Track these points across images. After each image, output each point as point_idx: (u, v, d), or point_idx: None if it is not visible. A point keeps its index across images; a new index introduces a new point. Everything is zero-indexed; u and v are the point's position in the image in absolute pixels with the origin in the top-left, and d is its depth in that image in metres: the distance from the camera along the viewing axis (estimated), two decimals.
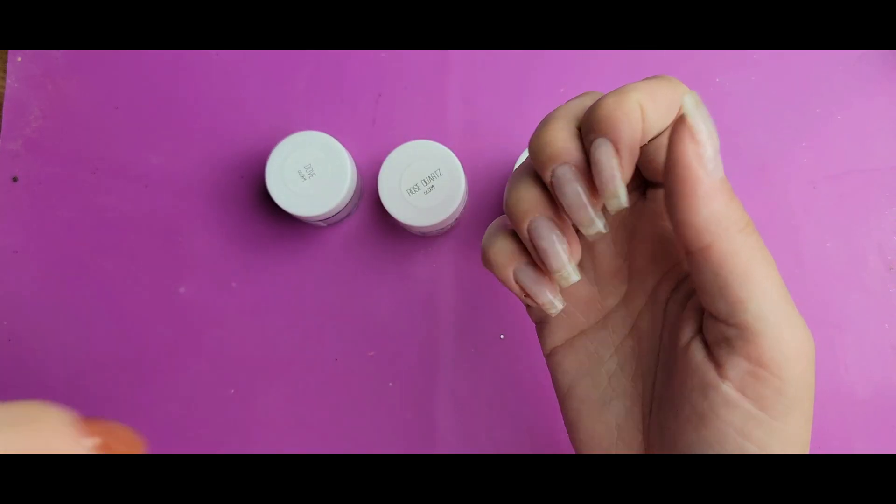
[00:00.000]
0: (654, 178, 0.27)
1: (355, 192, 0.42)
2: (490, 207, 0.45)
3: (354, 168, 0.42)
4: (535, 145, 0.25)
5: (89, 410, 0.44)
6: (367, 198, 0.45)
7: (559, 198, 0.25)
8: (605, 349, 0.30)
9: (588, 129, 0.24)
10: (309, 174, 0.41)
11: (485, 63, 0.46)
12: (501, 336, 0.44)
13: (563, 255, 0.26)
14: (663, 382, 0.27)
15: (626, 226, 0.29)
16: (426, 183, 0.41)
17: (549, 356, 0.31)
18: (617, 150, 0.23)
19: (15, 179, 0.46)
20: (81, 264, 0.45)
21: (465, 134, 0.45)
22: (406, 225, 0.41)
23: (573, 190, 0.25)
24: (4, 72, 0.47)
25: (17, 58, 0.47)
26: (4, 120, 0.46)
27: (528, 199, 0.26)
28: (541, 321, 0.31)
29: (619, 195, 0.24)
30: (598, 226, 0.25)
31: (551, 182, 0.25)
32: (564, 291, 0.29)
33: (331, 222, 0.44)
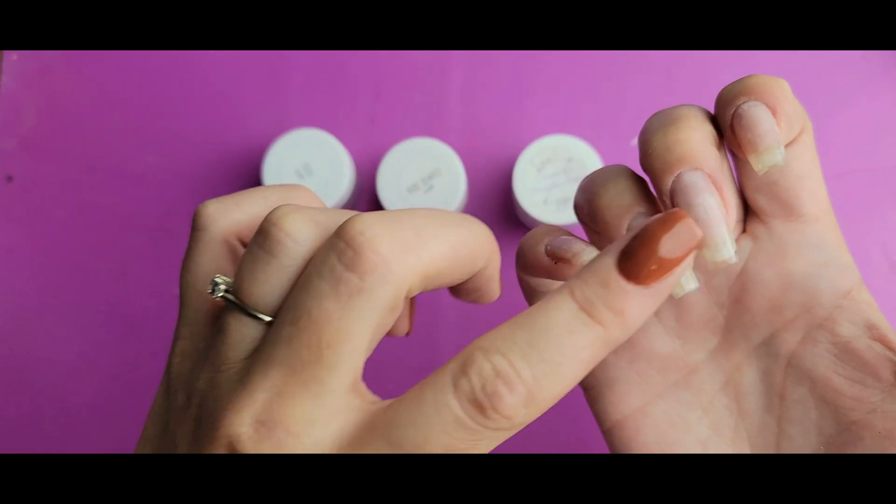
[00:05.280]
0: (771, 205, 0.23)
1: (354, 190, 0.42)
2: (490, 207, 0.45)
3: (353, 166, 0.42)
4: (659, 143, 0.22)
5: (85, 411, 0.44)
6: (366, 196, 0.45)
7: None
8: (690, 412, 0.25)
9: (732, 96, 0.22)
10: (307, 172, 0.40)
11: (485, 63, 0.45)
12: None
13: None
14: (811, 436, 0.24)
15: (727, 269, 0.24)
16: (425, 182, 0.40)
17: (615, 429, 0.25)
18: (774, 115, 0.21)
19: (10, 179, 0.46)
20: (77, 264, 0.45)
21: (465, 132, 0.45)
22: None
23: (705, 202, 0.21)
24: (0, 70, 0.46)
25: (12, 56, 0.46)
26: (0, 119, 0.46)
27: (627, 198, 0.22)
28: (599, 384, 0.25)
29: (778, 150, 0.21)
30: (727, 251, 0.21)
31: (672, 190, 0.21)
32: (635, 350, 0.25)
33: None
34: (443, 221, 0.19)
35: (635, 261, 0.18)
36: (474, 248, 0.20)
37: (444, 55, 0.45)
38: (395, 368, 0.44)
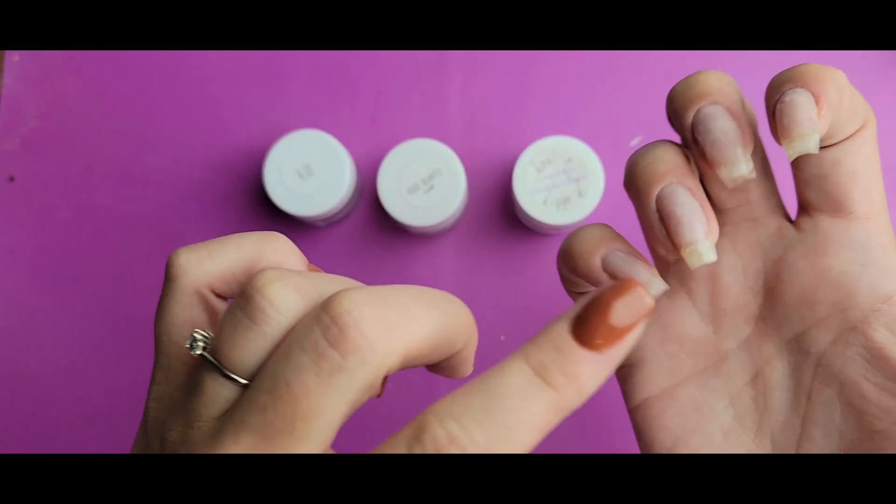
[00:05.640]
0: (819, 200, 0.23)
1: (354, 191, 0.42)
2: (490, 207, 0.45)
3: (353, 167, 0.42)
4: (682, 85, 0.22)
5: (86, 411, 0.44)
6: (367, 197, 0.45)
7: (702, 138, 0.22)
8: (716, 400, 0.25)
9: (780, 83, 0.22)
10: (307, 173, 0.40)
11: (485, 63, 0.45)
12: (502, 338, 0.44)
13: (698, 225, 0.22)
14: (839, 439, 0.23)
15: (766, 257, 0.24)
16: (426, 182, 0.40)
17: (640, 409, 0.25)
18: (817, 103, 0.21)
19: (11, 179, 0.46)
20: (78, 264, 0.45)
21: (465, 133, 0.45)
22: (406, 224, 0.41)
23: (721, 125, 0.22)
24: (2, 71, 0.46)
25: (14, 57, 0.46)
26: (1, 119, 0.46)
27: (667, 160, 0.22)
28: (629, 363, 0.25)
29: (811, 137, 0.20)
30: (742, 167, 0.22)
31: (693, 123, 0.22)
32: (667, 332, 0.25)
33: (330, 222, 0.44)
34: (428, 303, 0.19)
35: (588, 327, 0.18)
36: (455, 331, 0.20)
37: (444, 55, 0.45)
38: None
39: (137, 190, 0.45)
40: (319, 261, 0.45)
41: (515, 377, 0.18)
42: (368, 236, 0.45)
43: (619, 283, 0.19)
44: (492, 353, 0.44)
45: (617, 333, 0.19)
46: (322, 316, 0.18)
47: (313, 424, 0.18)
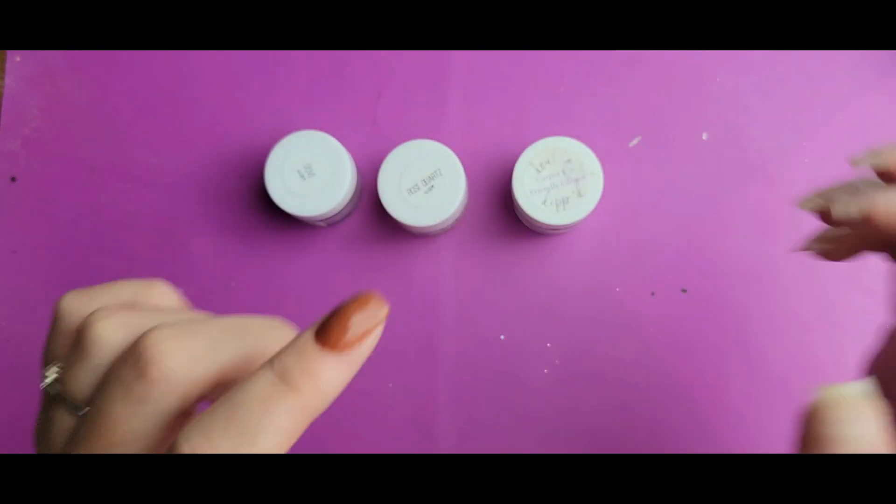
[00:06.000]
0: None
1: (355, 191, 0.42)
2: (490, 207, 0.45)
3: (354, 167, 0.42)
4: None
5: None
6: (367, 197, 0.45)
7: None
8: None
9: None
10: (308, 174, 0.41)
11: (485, 63, 0.46)
12: (501, 337, 0.44)
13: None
14: None
15: None
16: (426, 183, 0.40)
17: None
18: None
19: (13, 179, 0.46)
20: (80, 264, 0.45)
21: (465, 134, 0.45)
22: (406, 225, 0.41)
23: None
24: (3, 71, 0.46)
25: (15, 57, 0.46)
26: (3, 120, 0.46)
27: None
28: None
29: (877, 157, 0.24)
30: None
31: None
32: None
33: (330, 222, 0.44)
34: (238, 332, 0.21)
35: (328, 330, 0.20)
36: (268, 356, 0.21)
37: (445, 55, 0.46)
38: (394, 362, 0.45)
39: (139, 190, 0.46)
40: (320, 260, 0.45)
41: (258, 383, 0.19)
42: (369, 236, 0.45)
43: (359, 296, 0.20)
44: (492, 353, 0.44)
45: (355, 337, 0.20)
46: (132, 351, 0.20)
47: (129, 449, 0.20)
